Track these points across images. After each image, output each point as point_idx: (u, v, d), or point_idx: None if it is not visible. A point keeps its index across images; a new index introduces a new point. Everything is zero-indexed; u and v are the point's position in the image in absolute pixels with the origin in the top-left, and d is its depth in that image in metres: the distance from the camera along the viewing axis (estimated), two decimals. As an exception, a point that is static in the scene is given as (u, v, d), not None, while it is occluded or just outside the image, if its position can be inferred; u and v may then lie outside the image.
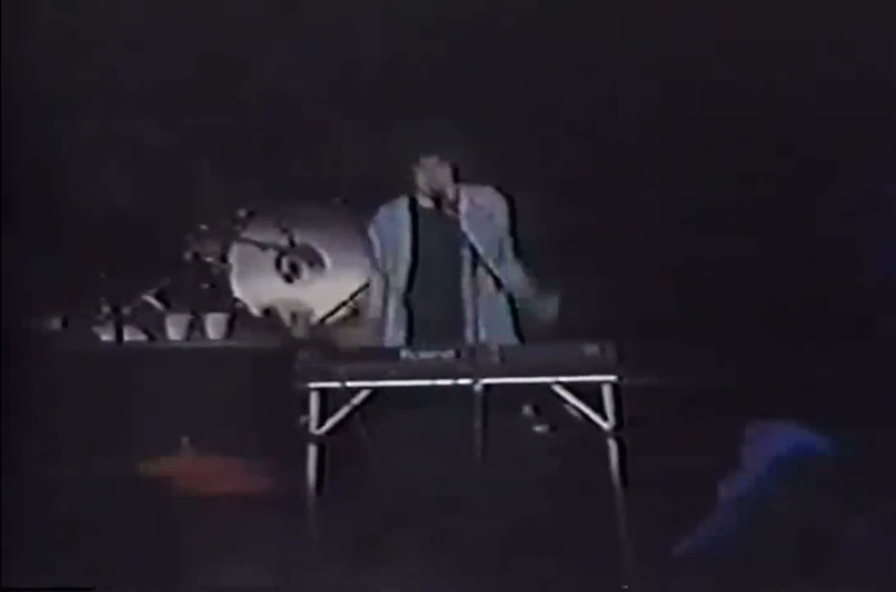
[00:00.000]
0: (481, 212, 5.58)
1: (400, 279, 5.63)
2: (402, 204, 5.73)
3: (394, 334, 5.60)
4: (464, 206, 5.53)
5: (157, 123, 6.38)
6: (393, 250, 5.68)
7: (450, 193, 5.54)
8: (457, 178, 5.63)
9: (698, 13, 6.06)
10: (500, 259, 5.59)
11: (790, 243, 6.21)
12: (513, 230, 5.70)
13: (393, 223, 5.70)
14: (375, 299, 5.75)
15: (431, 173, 5.60)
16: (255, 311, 6.79)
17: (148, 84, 6.27)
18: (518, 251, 5.69)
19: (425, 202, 5.67)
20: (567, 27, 6.17)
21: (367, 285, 5.95)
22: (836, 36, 6.07)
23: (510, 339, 5.59)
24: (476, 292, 5.57)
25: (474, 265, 5.50)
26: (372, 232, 5.77)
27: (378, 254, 5.73)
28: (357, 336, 5.84)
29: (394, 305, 5.64)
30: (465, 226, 5.36)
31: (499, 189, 5.69)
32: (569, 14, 6.10)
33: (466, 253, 5.41)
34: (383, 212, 5.77)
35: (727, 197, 6.21)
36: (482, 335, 5.30)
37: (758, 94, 6.18)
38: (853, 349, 6.03)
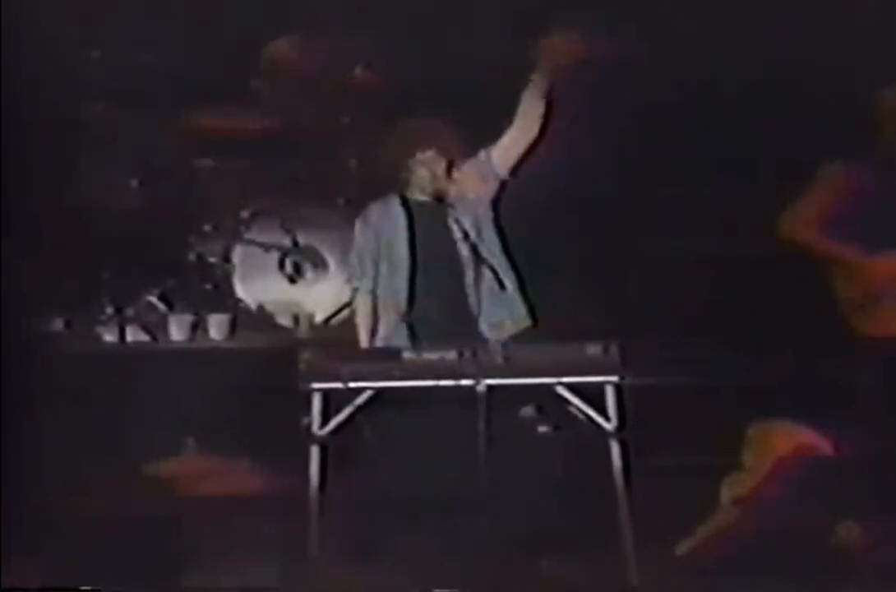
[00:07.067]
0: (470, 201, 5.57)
1: (400, 281, 5.58)
2: (395, 201, 5.68)
3: (395, 336, 5.57)
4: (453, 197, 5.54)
5: (160, 122, 6.37)
6: (388, 250, 5.61)
7: (450, 191, 5.53)
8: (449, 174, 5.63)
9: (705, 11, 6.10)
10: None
11: (794, 244, 6.20)
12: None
13: (388, 222, 5.64)
14: (366, 305, 5.68)
15: (432, 169, 5.58)
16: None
17: (152, 84, 6.26)
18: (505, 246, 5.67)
19: (418, 198, 5.64)
20: (567, 25, 6.17)
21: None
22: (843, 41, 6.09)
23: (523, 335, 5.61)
24: (480, 289, 5.58)
25: (477, 263, 5.49)
26: (364, 230, 5.68)
27: (368, 254, 5.66)
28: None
29: (393, 307, 5.60)
30: (466, 223, 5.34)
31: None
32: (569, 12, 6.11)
33: (466, 251, 5.41)
34: (376, 209, 5.69)
35: (731, 197, 6.20)
36: (491, 334, 5.33)
37: (763, 92, 6.17)
38: (854, 350, 6.03)
